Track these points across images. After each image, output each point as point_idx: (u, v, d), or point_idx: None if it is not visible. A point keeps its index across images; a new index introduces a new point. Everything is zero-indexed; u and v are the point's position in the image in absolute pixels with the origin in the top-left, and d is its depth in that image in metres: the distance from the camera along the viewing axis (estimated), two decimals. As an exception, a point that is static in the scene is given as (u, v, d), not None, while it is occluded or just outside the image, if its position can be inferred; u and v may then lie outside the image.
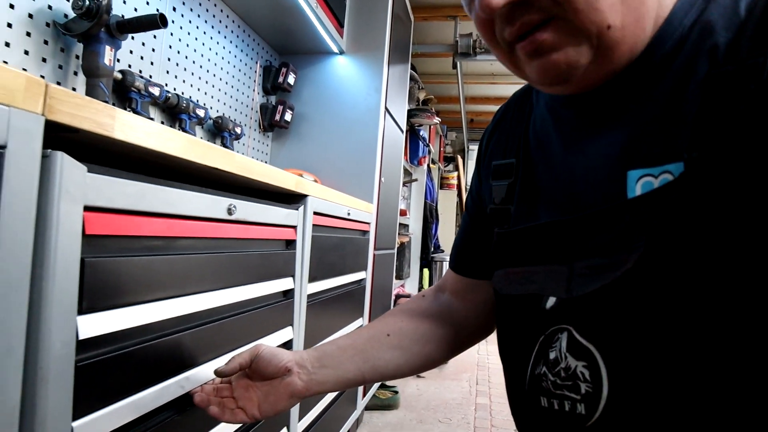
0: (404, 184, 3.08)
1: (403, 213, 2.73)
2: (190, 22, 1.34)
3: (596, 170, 0.41)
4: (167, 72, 1.27)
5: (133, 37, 1.12)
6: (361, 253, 1.48)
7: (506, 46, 0.40)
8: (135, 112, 1.10)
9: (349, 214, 1.30)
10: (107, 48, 0.95)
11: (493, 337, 0.56)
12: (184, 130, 1.29)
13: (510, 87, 3.49)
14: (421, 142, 3.20)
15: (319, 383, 0.54)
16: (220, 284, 0.65)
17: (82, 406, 0.42)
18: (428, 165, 3.64)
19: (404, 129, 2.32)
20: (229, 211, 0.66)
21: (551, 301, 0.42)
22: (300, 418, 0.99)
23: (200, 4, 1.38)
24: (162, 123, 1.24)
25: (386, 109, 1.85)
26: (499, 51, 0.41)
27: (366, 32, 1.81)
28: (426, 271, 3.64)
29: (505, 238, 0.49)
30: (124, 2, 1.09)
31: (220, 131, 1.47)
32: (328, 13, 1.59)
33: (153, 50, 1.20)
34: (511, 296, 0.47)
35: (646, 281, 0.35)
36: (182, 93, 1.33)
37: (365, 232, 1.55)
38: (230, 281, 0.67)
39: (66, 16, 0.93)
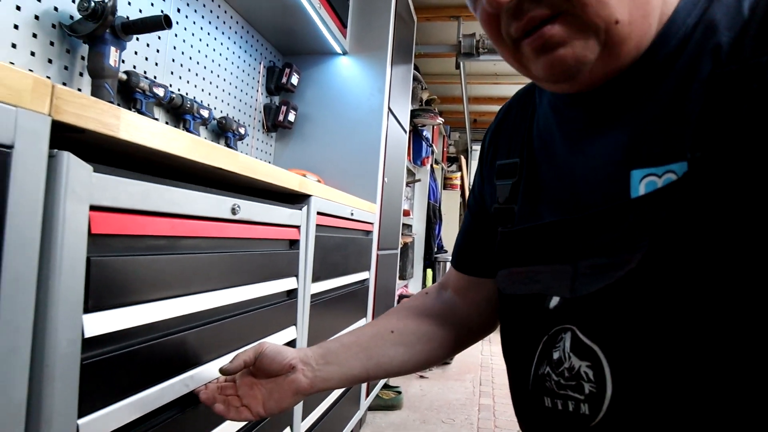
0: (407, 184, 3.08)
1: (406, 213, 2.73)
2: (194, 23, 1.35)
3: (599, 170, 0.41)
4: (171, 73, 1.27)
5: (137, 38, 1.13)
6: (364, 254, 1.48)
7: (512, 43, 0.40)
8: (139, 112, 1.10)
9: (352, 214, 1.30)
10: (112, 49, 0.96)
11: (496, 338, 0.56)
12: (188, 131, 1.30)
13: (513, 87, 3.48)
14: (424, 143, 3.20)
15: (323, 380, 0.54)
16: (224, 284, 0.65)
17: (87, 404, 0.42)
18: (431, 165, 3.64)
19: (407, 129, 2.32)
20: (233, 211, 0.66)
21: (555, 301, 0.42)
22: (303, 418, 0.99)
23: (204, 6, 1.38)
24: (166, 123, 1.24)
25: (389, 109, 1.85)
26: (504, 48, 0.41)
27: (369, 33, 1.81)
28: (429, 271, 3.64)
29: (508, 238, 0.49)
30: (129, 4, 1.10)
31: (223, 132, 1.48)
32: (331, 13, 1.59)
33: (157, 51, 1.21)
34: (514, 296, 0.47)
35: (650, 281, 0.35)
36: (186, 94, 1.34)
37: (368, 233, 1.55)
38: (234, 281, 0.67)
39: (72, 17, 0.94)
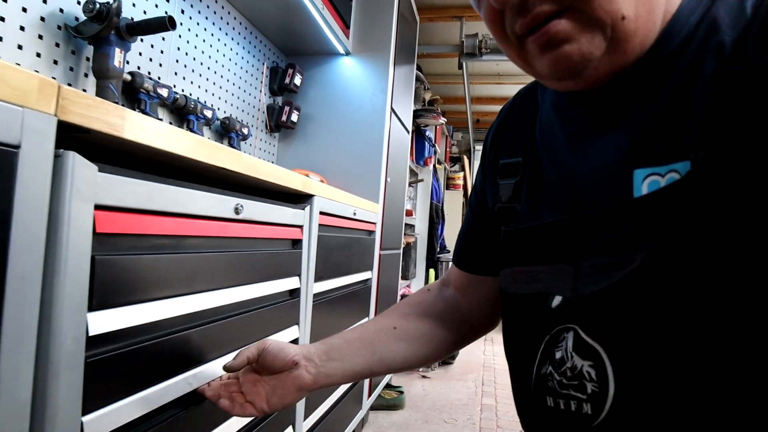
0: (410, 184, 3.08)
1: (409, 213, 2.73)
2: (198, 24, 1.35)
3: (602, 169, 0.41)
4: (175, 73, 1.28)
5: (142, 40, 1.14)
6: (366, 253, 1.49)
7: (516, 40, 0.40)
8: (144, 113, 1.11)
9: (355, 214, 1.30)
10: (117, 50, 0.96)
11: (498, 338, 0.56)
12: (191, 131, 1.30)
13: (516, 87, 3.46)
14: (427, 143, 3.20)
15: (327, 376, 0.54)
16: (228, 283, 0.65)
17: (91, 401, 0.43)
18: (434, 165, 3.64)
19: (410, 129, 2.32)
20: (237, 211, 0.66)
21: (557, 300, 0.42)
22: (305, 417, 0.99)
23: (208, 7, 1.39)
24: (170, 124, 1.25)
25: (392, 109, 1.85)
26: (508, 46, 0.41)
27: (372, 33, 1.82)
28: (432, 271, 3.63)
29: (511, 237, 0.49)
30: (134, 5, 1.10)
31: (227, 132, 1.49)
32: (334, 14, 1.59)
33: (161, 52, 1.21)
34: (517, 295, 0.47)
35: (653, 280, 0.35)
36: (190, 94, 1.35)
37: (371, 232, 1.55)
38: (237, 280, 0.68)
39: (77, 19, 0.95)
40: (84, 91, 0.84)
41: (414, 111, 2.57)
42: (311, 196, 0.97)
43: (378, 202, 1.71)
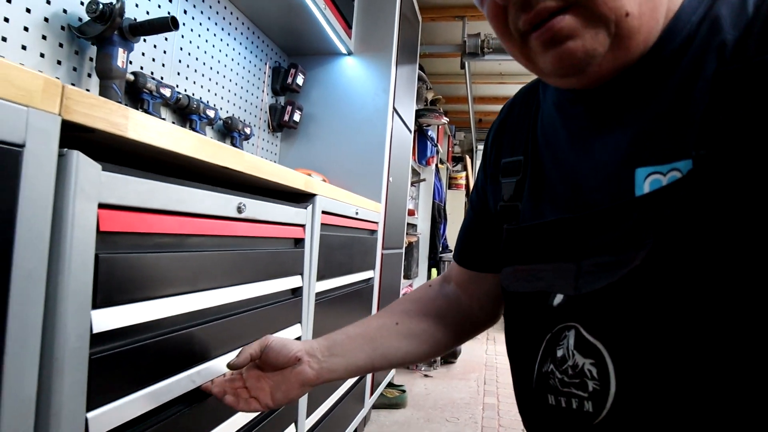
0: (412, 183, 3.07)
1: (411, 213, 2.73)
2: (200, 24, 1.36)
3: (604, 168, 0.41)
4: (178, 73, 1.28)
5: (145, 40, 1.14)
6: (369, 252, 1.49)
7: (519, 37, 0.39)
8: (147, 112, 1.12)
9: (357, 213, 1.30)
10: (120, 50, 0.97)
11: (500, 338, 0.56)
12: (194, 131, 1.30)
13: (518, 86, 3.44)
14: (429, 142, 3.20)
15: (329, 371, 0.55)
16: (230, 281, 0.66)
17: (95, 398, 0.43)
18: (436, 165, 3.64)
19: (412, 129, 2.32)
20: (239, 210, 0.67)
21: (559, 299, 0.42)
22: (308, 415, 1.00)
23: (210, 7, 1.39)
24: (173, 123, 1.25)
25: (394, 109, 1.86)
26: (511, 43, 0.41)
27: (374, 33, 1.82)
28: (434, 270, 3.63)
29: (513, 235, 0.49)
30: (137, 5, 1.11)
31: (229, 131, 1.49)
32: (337, 14, 1.60)
33: (164, 52, 1.22)
34: (518, 293, 0.47)
35: (654, 279, 0.35)
36: (193, 94, 1.35)
37: (373, 232, 1.55)
38: (240, 278, 0.68)
39: (80, 19, 0.95)
40: (87, 91, 0.84)
41: (416, 111, 2.57)
42: (313, 195, 0.97)
43: (380, 202, 1.71)
